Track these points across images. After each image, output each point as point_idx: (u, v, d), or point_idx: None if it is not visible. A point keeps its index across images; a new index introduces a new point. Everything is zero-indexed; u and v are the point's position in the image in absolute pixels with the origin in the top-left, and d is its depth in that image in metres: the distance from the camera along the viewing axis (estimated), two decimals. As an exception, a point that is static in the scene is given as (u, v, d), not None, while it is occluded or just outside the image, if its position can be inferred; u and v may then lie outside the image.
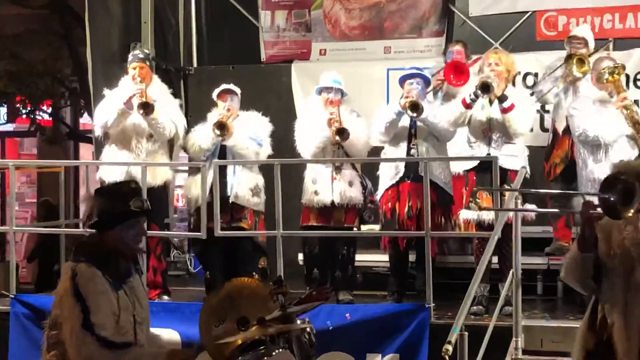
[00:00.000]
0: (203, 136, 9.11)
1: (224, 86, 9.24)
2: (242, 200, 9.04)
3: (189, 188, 9.29)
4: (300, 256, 9.46)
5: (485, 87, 8.33)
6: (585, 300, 5.99)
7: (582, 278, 5.26)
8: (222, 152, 9.11)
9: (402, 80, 8.80)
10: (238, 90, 9.26)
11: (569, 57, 9.03)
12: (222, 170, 9.01)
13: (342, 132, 8.69)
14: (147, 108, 8.96)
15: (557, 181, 9.07)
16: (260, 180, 9.12)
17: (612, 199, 4.90)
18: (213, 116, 9.18)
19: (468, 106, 8.48)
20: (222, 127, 8.94)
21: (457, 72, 9.09)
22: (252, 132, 9.12)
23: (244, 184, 9.07)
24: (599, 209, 5.03)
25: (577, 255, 5.21)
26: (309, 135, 8.93)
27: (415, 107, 8.46)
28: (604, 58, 8.75)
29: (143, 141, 9.17)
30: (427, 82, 8.91)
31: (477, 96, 8.43)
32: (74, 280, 4.82)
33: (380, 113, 8.79)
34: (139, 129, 9.12)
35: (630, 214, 4.85)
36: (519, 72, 9.83)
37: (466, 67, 9.20)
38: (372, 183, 9.03)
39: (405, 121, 8.65)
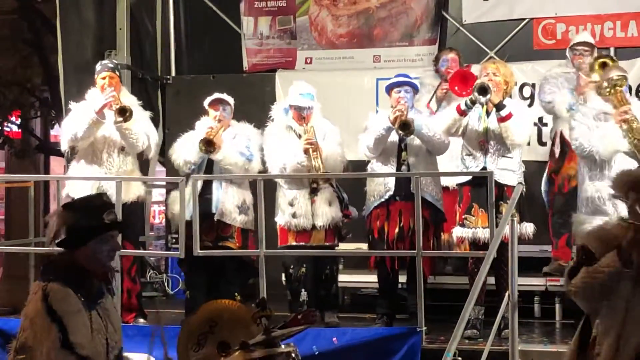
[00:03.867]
0: (189, 148, 9.08)
1: (216, 95, 9.22)
2: (227, 218, 9.02)
3: (172, 204, 9.27)
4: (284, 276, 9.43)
5: (482, 90, 8.36)
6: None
7: (600, 299, 5.24)
8: (209, 165, 9.10)
9: (390, 89, 8.80)
10: (231, 100, 9.24)
11: (595, 59, 9.07)
12: (208, 186, 9.03)
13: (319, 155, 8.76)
14: (124, 113, 8.88)
15: (571, 195, 9.04)
16: (248, 196, 9.09)
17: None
18: (202, 124, 9.16)
19: (463, 113, 8.49)
20: (209, 143, 8.90)
21: (464, 81, 9.04)
22: (242, 146, 9.10)
23: (230, 201, 9.04)
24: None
25: (606, 272, 5.17)
26: (282, 156, 8.90)
27: (406, 126, 8.46)
28: (614, 67, 8.78)
29: (114, 154, 9.13)
30: (416, 90, 8.90)
31: (473, 102, 8.44)
32: (46, 301, 4.79)
33: (369, 126, 8.77)
34: (110, 141, 9.08)
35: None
36: (516, 83, 9.85)
37: (473, 75, 9.12)
38: (358, 199, 9.02)
39: (394, 136, 8.64)
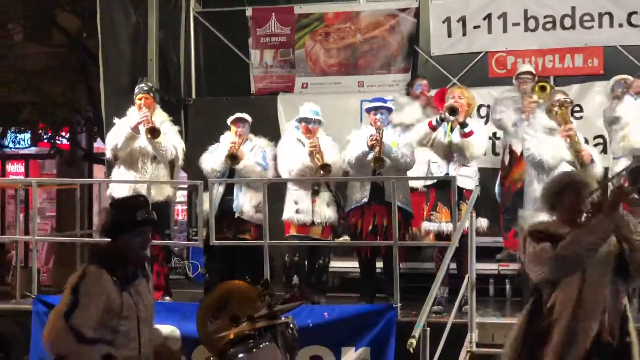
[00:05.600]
0: (215, 159, 9.09)
1: (237, 115, 9.22)
2: (246, 216, 9.02)
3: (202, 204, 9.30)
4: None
5: (453, 110, 8.40)
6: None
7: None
8: (231, 171, 9.11)
9: (369, 111, 8.84)
10: (249, 119, 9.23)
11: (530, 84, 9.08)
12: (230, 189, 9.04)
13: (325, 167, 8.71)
14: (154, 132, 8.94)
15: (517, 194, 9.05)
16: (262, 199, 9.04)
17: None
18: (225, 138, 9.17)
19: (434, 128, 8.52)
20: (233, 157, 8.94)
21: (439, 100, 9.15)
22: (259, 157, 9.14)
23: (248, 202, 9.05)
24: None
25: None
26: (290, 161, 8.90)
27: (380, 160, 8.47)
28: (557, 92, 8.80)
29: (148, 162, 9.15)
30: (390, 111, 8.89)
31: (442, 119, 8.47)
32: (80, 279, 4.81)
33: (351, 140, 8.80)
34: (145, 151, 9.10)
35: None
36: (476, 105, 9.84)
37: (444, 94, 9.11)
38: (344, 201, 9.02)
39: (371, 155, 8.60)
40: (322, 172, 8.71)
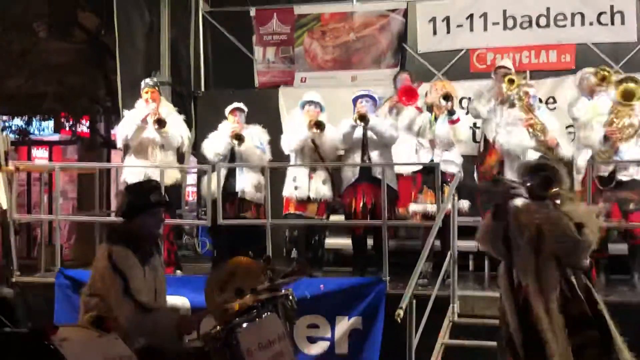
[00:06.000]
0: (218, 143, 9.12)
1: (235, 104, 9.28)
2: (248, 196, 9.08)
3: (204, 186, 9.32)
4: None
5: (446, 97, 8.50)
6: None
7: (494, 242, 5.30)
8: (232, 155, 9.13)
9: (355, 100, 8.88)
10: (245, 109, 9.30)
11: (503, 77, 8.98)
12: (232, 172, 9.06)
13: (319, 125, 8.74)
14: (161, 123, 8.98)
15: (490, 180, 9.01)
16: (261, 179, 9.09)
17: (533, 185, 4.98)
18: (224, 127, 9.20)
19: (419, 109, 8.69)
20: (238, 137, 8.98)
21: (409, 95, 9.11)
22: (257, 141, 9.18)
23: (249, 182, 9.08)
24: (516, 190, 5.11)
25: (490, 223, 5.24)
26: (291, 138, 8.95)
27: (363, 117, 8.59)
28: (527, 85, 8.81)
29: (157, 150, 9.16)
30: (374, 100, 8.95)
31: (430, 106, 8.63)
32: (110, 259, 4.82)
33: (340, 126, 8.84)
34: (153, 140, 9.12)
35: (553, 192, 4.93)
36: (457, 97, 9.86)
37: (416, 91, 9.18)
38: (339, 181, 9.02)
39: (358, 133, 8.70)
40: (315, 129, 8.71)
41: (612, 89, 8.57)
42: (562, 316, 5.01)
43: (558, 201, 5.15)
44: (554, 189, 5.13)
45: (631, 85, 8.33)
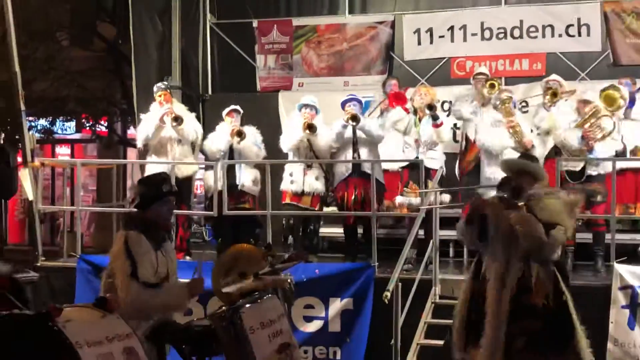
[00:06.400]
0: (219, 141, 9.10)
1: (232, 107, 9.26)
2: (247, 189, 9.06)
3: (207, 180, 9.30)
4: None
5: (430, 107, 8.52)
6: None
7: (470, 239, 5.36)
8: (231, 152, 9.11)
9: (344, 104, 8.86)
10: (241, 110, 9.28)
11: (486, 82, 9.00)
12: (232, 167, 9.04)
13: (311, 127, 8.75)
14: (177, 120, 8.99)
15: (470, 175, 9.06)
16: (258, 174, 9.11)
17: (505, 195, 5.01)
18: (222, 127, 9.19)
19: (406, 110, 8.74)
20: (240, 133, 8.98)
21: (398, 99, 9.15)
22: (254, 139, 9.16)
23: (248, 177, 9.07)
24: (489, 196, 5.14)
25: (464, 226, 5.29)
26: (288, 136, 8.97)
27: (354, 117, 8.61)
28: (503, 90, 8.86)
29: (175, 145, 9.16)
30: (360, 103, 8.97)
31: (415, 111, 8.65)
32: (126, 244, 4.82)
33: (333, 127, 8.83)
34: (171, 138, 9.12)
35: (520, 204, 4.97)
36: (439, 100, 9.88)
37: (405, 95, 9.23)
38: (331, 177, 9.03)
39: (349, 132, 8.70)
40: (308, 131, 8.72)
41: (569, 98, 8.67)
42: (511, 304, 5.03)
43: (533, 202, 5.17)
44: (527, 194, 5.17)
45: (613, 92, 8.36)
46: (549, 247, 5.07)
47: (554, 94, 8.70)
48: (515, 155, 8.05)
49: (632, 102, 8.80)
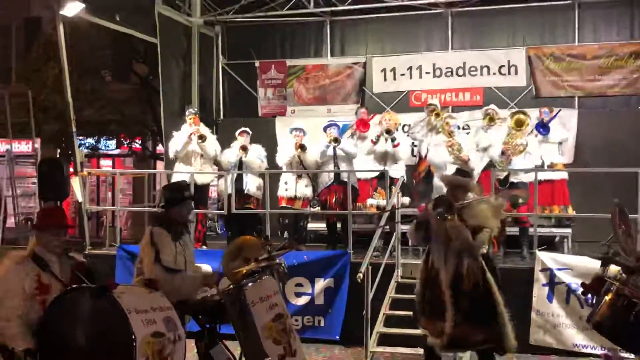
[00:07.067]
0: (230, 155, 9.07)
1: (242, 128, 9.24)
2: (251, 193, 9.00)
3: (220, 186, 9.25)
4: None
5: (388, 131, 8.54)
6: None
7: (417, 240, 5.46)
8: (240, 164, 9.06)
9: (326, 128, 8.88)
10: (250, 131, 9.25)
11: (431, 111, 9.03)
12: (240, 176, 8.99)
13: (302, 147, 8.76)
14: (202, 138, 9.00)
15: (422, 182, 9.08)
16: (261, 182, 9.04)
17: (440, 209, 5.04)
18: (235, 144, 9.14)
19: (375, 143, 8.66)
20: (244, 148, 8.96)
21: (363, 125, 9.16)
22: (258, 154, 9.12)
23: (253, 184, 9.02)
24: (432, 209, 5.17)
25: (414, 230, 5.29)
26: (283, 154, 8.98)
27: (336, 140, 8.64)
28: (449, 116, 8.88)
29: (198, 159, 9.11)
30: (338, 127, 8.97)
31: (378, 137, 8.61)
32: (151, 237, 4.79)
33: (318, 146, 8.81)
34: (195, 152, 9.09)
35: (450, 218, 4.99)
36: (401, 123, 9.92)
37: (368, 122, 9.25)
38: (318, 185, 9.02)
39: (330, 151, 8.68)
40: (299, 150, 8.72)
41: (502, 124, 8.71)
42: (450, 290, 5.09)
43: (466, 209, 5.20)
44: (458, 205, 5.19)
45: (522, 116, 8.48)
46: (476, 248, 5.11)
47: (491, 119, 8.76)
48: (454, 167, 8.11)
49: (545, 128, 8.87)
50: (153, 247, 4.73)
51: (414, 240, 5.62)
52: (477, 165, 8.51)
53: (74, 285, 4.02)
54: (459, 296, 5.04)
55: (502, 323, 5.03)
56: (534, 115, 9.01)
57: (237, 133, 9.22)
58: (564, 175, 8.95)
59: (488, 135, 8.66)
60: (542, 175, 8.56)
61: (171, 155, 9.34)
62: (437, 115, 8.93)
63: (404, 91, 11.28)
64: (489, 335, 5.03)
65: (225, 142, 9.70)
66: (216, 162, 9.55)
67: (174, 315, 4.10)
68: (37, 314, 3.97)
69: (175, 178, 8.91)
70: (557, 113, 9.22)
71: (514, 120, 8.46)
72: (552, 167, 8.82)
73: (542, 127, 8.86)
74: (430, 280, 5.20)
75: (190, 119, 9.15)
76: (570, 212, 8.83)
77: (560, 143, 9.07)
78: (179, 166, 9.20)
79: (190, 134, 8.97)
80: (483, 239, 5.11)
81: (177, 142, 9.11)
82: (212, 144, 9.19)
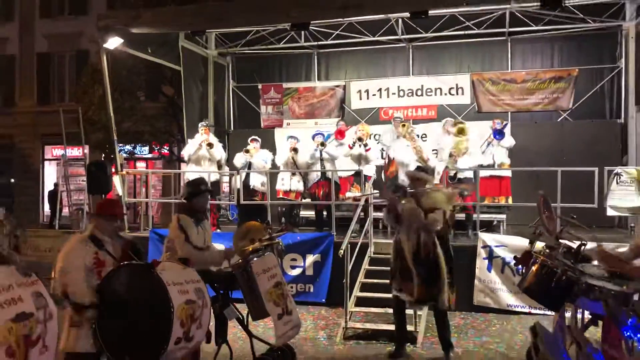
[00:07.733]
0: (241, 158, 9.01)
1: (253, 137, 9.23)
2: (257, 188, 8.96)
3: (232, 182, 9.21)
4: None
5: (360, 139, 8.50)
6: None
7: (391, 222, 5.38)
8: (249, 165, 9.01)
9: (314, 136, 8.89)
10: (259, 139, 9.21)
11: (399, 123, 9.01)
12: (248, 174, 8.93)
13: (295, 150, 8.74)
14: (210, 145, 8.92)
15: (392, 179, 9.01)
16: (264, 179, 8.97)
17: (398, 195, 5.05)
18: (247, 149, 9.09)
19: (351, 147, 8.60)
20: (247, 151, 8.92)
21: (340, 134, 9.15)
22: (263, 157, 9.07)
23: (259, 181, 8.97)
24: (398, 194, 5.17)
25: (387, 214, 5.28)
26: (281, 157, 8.93)
27: (323, 144, 8.61)
28: (409, 127, 8.86)
29: (206, 162, 9.03)
30: (323, 135, 8.98)
31: (354, 143, 8.57)
32: (179, 222, 4.75)
33: (308, 150, 8.78)
34: (205, 156, 9.01)
35: (404, 201, 5.01)
36: (372, 133, 9.88)
37: (344, 132, 9.22)
38: (308, 181, 8.98)
39: (318, 154, 8.65)
40: (293, 152, 8.68)
41: (454, 132, 8.73)
42: (412, 257, 5.13)
43: (423, 196, 5.21)
44: (412, 192, 5.21)
45: (463, 126, 8.54)
46: (428, 225, 5.11)
47: (461, 130, 8.77)
48: (416, 165, 8.12)
49: (501, 134, 8.92)
50: (182, 231, 4.69)
51: (386, 222, 5.60)
52: (437, 164, 8.54)
53: (125, 262, 3.98)
54: (418, 264, 5.08)
55: (441, 286, 5.10)
56: (488, 125, 9.19)
57: (249, 139, 9.25)
58: (508, 173, 9.03)
59: (445, 140, 8.68)
60: (491, 172, 8.76)
61: (185, 157, 9.28)
62: (404, 125, 8.95)
63: (375, 107, 11.29)
64: (434, 293, 5.10)
65: (234, 148, 9.64)
66: (219, 165, 9.49)
67: (202, 286, 4.06)
68: (96, 283, 3.95)
69: (194, 176, 8.84)
70: (506, 124, 9.44)
71: (457, 129, 8.55)
72: (501, 166, 8.94)
73: (498, 134, 8.97)
74: (400, 252, 5.22)
75: (202, 129, 9.09)
76: (510, 202, 8.88)
77: (508, 148, 9.13)
78: (191, 166, 9.13)
79: (201, 142, 8.90)
80: (435, 217, 5.10)
81: (190, 147, 9.05)
82: (218, 150, 9.13)
